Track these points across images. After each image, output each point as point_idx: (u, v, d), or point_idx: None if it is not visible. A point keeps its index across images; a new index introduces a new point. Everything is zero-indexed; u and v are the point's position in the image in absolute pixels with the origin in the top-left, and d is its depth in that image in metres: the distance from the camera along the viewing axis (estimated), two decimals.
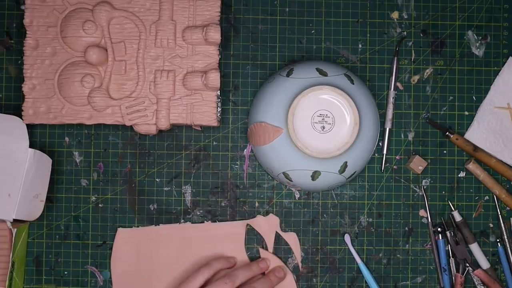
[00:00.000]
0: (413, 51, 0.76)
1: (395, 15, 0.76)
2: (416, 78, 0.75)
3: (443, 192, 0.75)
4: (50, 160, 0.70)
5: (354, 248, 0.73)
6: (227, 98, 0.75)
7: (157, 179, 0.74)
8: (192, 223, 0.73)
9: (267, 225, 0.73)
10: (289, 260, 0.73)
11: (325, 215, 0.74)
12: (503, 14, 0.76)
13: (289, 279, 0.73)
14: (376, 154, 0.75)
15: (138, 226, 0.73)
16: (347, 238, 0.73)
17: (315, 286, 0.73)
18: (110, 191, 0.73)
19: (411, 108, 0.75)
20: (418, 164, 0.73)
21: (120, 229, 0.73)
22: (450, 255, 0.74)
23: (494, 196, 0.75)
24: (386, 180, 0.75)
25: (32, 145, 0.69)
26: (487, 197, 0.75)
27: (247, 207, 0.74)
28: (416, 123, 0.75)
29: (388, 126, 0.74)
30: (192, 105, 0.69)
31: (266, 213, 0.74)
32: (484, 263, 0.74)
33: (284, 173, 0.68)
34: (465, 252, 0.73)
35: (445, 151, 0.75)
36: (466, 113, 0.76)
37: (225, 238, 0.73)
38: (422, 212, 0.75)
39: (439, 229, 0.74)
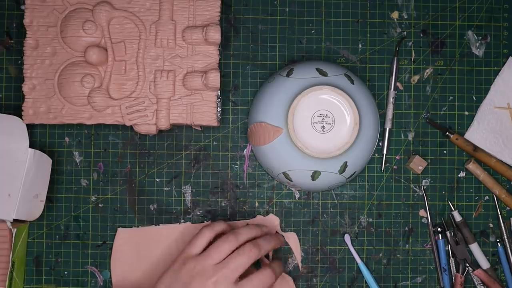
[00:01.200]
0: (413, 51, 0.76)
1: (395, 15, 0.76)
2: (416, 78, 0.75)
3: (443, 192, 0.75)
4: (50, 160, 0.70)
5: (354, 248, 0.73)
6: (227, 98, 0.75)
7: (157, 179, 0.74)
8: (192, 223, 0.73)
9: (267, 225, 0.73)
10: (289, 260, 0.73)
11: (325, 215, 0.74)
12: (503, 14, 0.76)
13: (288, 280, 0.73)
14: (376, 154, 0.75)
15: (138, 226, 0.73)
16: (347, 238, 0.73)
17: (315, 286, 0.73)
18: (110, 191, 0.73)
19: (411, 108, 0.75)
20: (418, 164, 0.73)
21: (120, 229, 0.73)
22: (450, 255, 0.74)
23: (494, 196, 0.75)
24: (386, 180, 0.75)
25: (32, 145, 0.69)
26: (487, 197, 0.75)
27: (247, 207, 0.74)
28: (416, 123, 0.75)
29: (388, 126, 0.74)
30: (192, 105, 0.69)
31: (266, 213, 0.74)
32: (484, 263, 0.74)
33: (284, 173, 0.68)
34: (465, 252, 0.73)
35: (445, 151, 0.75)
36: (466, 113, 0.76)
37: None
38: (422, 212, 0.75)
39: (439, 229, 0.74)
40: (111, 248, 0.73)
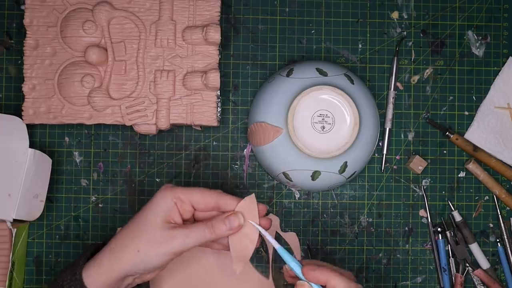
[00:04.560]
0: (413, 51, 0.76)
1: (395, 15, 0.76)
2: (416, 78, 0.76)
3: (443, 192, 0.75)
4: (50, 160, 0.70)
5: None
6: (227, 98, 0.75)
7: (157, 179, 0.73)
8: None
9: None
10: None
11: (325, 215, 0.74)
12: (503, 14, 0.76)
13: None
14: (376, 154, 0.75)
15: None
16: None
17: None
18: (110, 191, 0.73)
19: (411, 108, 0.75)
20: (418, 164, 0.73)
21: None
22: (450, 255, 0.74)
23: (494, 196, 0.75)
24: (386, 180, 0.75)
25: (32, 145, 0.69)
26: (487, 197, 0.75)
27: None
28: (416, 123, 0.75)
29: (388, 126, 0.74)
30: (192, 105, 0.69)
31: (266, 213, 0.74)
32: (484, 263, 0.74)
33: (284, 173, 0.68)
34: (465, 252, 0.73)
35: (445, 151, 0.75)
36: (466, 113, 0.76)
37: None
38: (422, 212, 0.75)
39: (439, 229, 0.74)
40: None
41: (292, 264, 0.56)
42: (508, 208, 0.75)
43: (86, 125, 0.73)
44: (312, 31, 0.75)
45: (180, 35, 0.70)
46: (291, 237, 0.73)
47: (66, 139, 0.73)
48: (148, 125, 0.69)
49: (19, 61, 0.74)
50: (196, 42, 0.69)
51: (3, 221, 0.67)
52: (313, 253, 0.73)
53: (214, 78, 0.68)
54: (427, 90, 0.75)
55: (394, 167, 0.75)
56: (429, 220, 0.74)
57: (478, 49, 0.76)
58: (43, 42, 0.69)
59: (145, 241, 0.56)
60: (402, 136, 0.75)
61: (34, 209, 0.68)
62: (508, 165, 0.75)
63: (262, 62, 0.75)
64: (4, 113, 0.69)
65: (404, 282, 0.74)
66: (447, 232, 0.74)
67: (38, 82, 0.69)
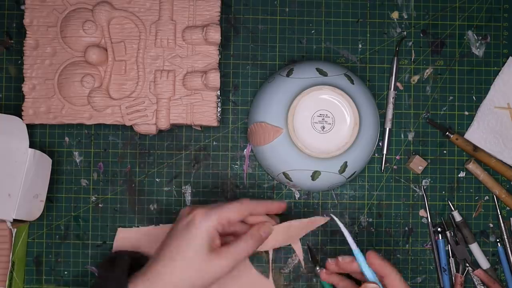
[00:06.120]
0: (413, 51, 0.76)
1: (395, 15, 0.76)
2: (416, 78, 0.76)
3: (443, 192, 0.75)
4: (50, 160, 0.70)
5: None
6: (227, 98, 0.75)
7: (157, 179, 0.74)
8: None
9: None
10: (289, 260, 0.73)
11: (325, 215, 0.74)
12: (503, 14, 0.76)
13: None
14: (376, 154, 0.75)
15: (138, 226, 0.73)
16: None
17: (315, 286, 0.73)
18: (110, 191, 0.73)
19: (411, 108, 0.75)
20: (418, 164, 0.73)
21: (120, 229, 0.73)
22: (450, 255, 0.74)
23: (494, 196, 0.75)
24: (386, 180, 0.75)
25: (32, 145, 0.69)
26: (487, 197, 0.75)
27: None
28: (416, 123, 0.75)
29: (388, 126, 0.74)
30: (192, 105, 0.69)
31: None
32: (484, 263, 0.74)
33: (284, 173, 0.68)
34: (465, 252, 0.73)
35: (445, 151, 0.75)
36: (466, 113, 0.76)
37: None
38: (422, 212, 0.75)
39: (439, 229, 0.74)
40: (111, 248, 0.73)
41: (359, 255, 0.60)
42: (508, 208, 0.75)
43: (86, 125, 0.73)
44: (312, 31, 0.75)
45: (180, 35, 0.70)
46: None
47: (66, 139, 0.73)
48: (148, 125, 0.69)
49: (19, 61, 0.74)
50: (196, 42, 0.69)
51: (3, 221, 0.67)
52: (313, 253, 0.73)
53: (214, 78, 0.68)
54: (427, 90, 0.75)
55: (394, 167, 0.75)
56: (429, 220, 0.74)
57: (478, 49, 0.76)
58: (43, 42, 0.69)
59: (195, 272, 0.58)
60: (402, 136, 0.75)
61: (34, 209, 0.68)
62: (508, 165, 0.75)
63: (262, 62, 0.75)
64: (4, 113, 0.69)
65: None
66: (447, 232, 0.74)
67: (38, 82, 0.69)
